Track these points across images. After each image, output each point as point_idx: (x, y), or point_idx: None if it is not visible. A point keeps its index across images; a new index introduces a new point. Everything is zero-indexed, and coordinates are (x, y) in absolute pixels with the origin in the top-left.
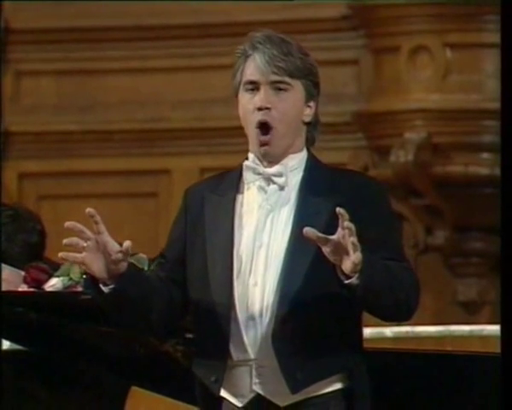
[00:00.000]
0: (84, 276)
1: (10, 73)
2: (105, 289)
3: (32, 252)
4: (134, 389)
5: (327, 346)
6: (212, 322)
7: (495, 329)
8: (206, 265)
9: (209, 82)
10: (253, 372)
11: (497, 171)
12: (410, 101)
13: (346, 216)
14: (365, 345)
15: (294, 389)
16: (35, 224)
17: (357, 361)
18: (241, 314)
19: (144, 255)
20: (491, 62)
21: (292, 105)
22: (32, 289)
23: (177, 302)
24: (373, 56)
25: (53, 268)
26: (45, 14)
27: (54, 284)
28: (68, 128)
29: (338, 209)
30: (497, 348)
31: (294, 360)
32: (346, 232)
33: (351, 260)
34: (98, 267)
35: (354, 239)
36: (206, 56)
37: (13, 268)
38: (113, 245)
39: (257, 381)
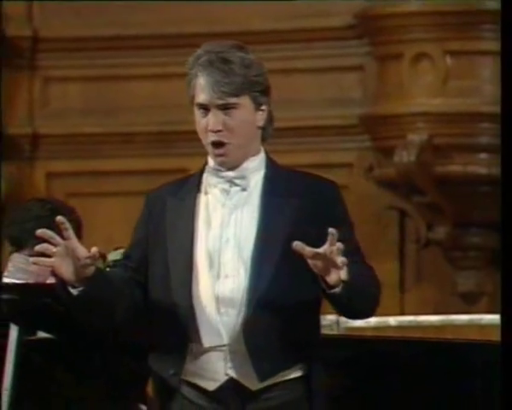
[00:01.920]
0: (108, 269)
1: (39, 80)
2: (73, 291)
3: None
4: None
5: (292, 338)
6: (172, 317)
7: (492, 318)
8: (167, 262)
9: None
10: (227, 357)
11: (495, 170)
12: (412, 105)
13: (336, 236)
14: (370, 333)
15: (261, 378)
16: (72, 215)
17: (316, 349)
18: (214, 304)
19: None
20: (488, 68)
21: (241, 119)
22: (58, 282)
23: (139, 303)
24: (377, 63)
25: None
26: (72, 24)
27: None
28: (93, 131)
29: (330, 230)
30: (494, 336)
31: (262, 350)
32: (334, 250)
33: (338, 275)
34: (66, 271)
35: (344, 259)
36: None
37: None
38: (81, 250)
39: (230, 365)
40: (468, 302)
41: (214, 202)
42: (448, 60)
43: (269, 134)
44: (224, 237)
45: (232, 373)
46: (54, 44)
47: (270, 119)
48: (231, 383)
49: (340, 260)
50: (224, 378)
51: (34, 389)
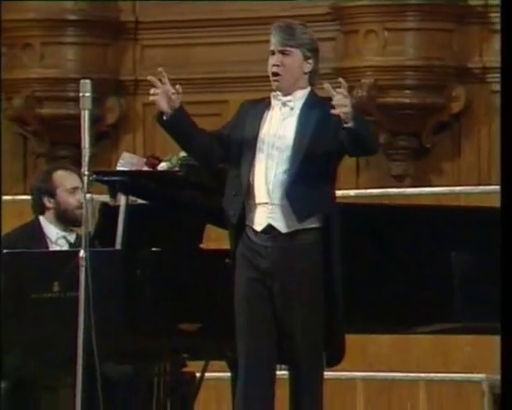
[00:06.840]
0: (180, 162)
1: (139, 47)
2: (165, 117)
3: None
4: (208, 225)
5: (319, 192)
6: (238, 180)
7: (415, 189)
8: (241, 144)
9: (250, 50)
10: (268, 210)
11: (415, 100)
12: (364, 61)
13: (345, 85)
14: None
15: (300, 220)
16: None
17: (332, 206)
18: (264, 175)
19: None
20: (410, 38)
21: (292, 63)
22: (150, 170)
23: (215, 151)
24: (343, 36)
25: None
26: (159, 12)
27: (162, 166)
28: (172, 78)
29: (340, 79)
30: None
31: (300, 200)
32: (342, 94)
33: (346, 110)
34: (163, 104)
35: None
36: (247, 36)
37: (139, 157)
38: (171, 89)
39: (270, 215)
40: (398, 181)
41: (273, 115)
42: (386, 34)
43: (315, 80)
44: (277, 135)
45: (271, 221)
46: (147, 25)
47: (315, 71)
48: (270, 227)
49: (346, 101)
50: (266, 223)
51: (133, 231)
